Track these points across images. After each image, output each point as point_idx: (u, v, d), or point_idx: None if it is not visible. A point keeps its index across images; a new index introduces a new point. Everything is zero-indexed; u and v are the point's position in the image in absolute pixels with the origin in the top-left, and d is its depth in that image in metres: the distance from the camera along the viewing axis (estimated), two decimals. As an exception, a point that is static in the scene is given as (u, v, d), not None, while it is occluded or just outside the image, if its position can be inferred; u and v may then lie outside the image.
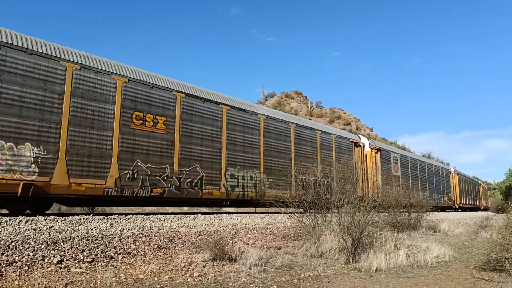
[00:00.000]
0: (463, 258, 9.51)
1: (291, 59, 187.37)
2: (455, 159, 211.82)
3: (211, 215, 12.09)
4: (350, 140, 21.73)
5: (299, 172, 14.80)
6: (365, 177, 22.06)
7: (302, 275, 6.71)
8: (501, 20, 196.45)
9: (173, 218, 10.42)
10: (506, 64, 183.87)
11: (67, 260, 6.32)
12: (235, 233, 10.11)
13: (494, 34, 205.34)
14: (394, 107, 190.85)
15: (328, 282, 6.38)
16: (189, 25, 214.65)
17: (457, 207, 38.78)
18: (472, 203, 44.90)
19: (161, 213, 12.09)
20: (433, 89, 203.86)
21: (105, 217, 9.24)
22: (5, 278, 5.37)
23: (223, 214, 13.03)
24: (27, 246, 6.44)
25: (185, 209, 19.34)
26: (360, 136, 23.99)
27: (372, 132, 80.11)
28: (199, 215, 11.77)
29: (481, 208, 50.42)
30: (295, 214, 10.82)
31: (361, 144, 22.65)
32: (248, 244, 9.31)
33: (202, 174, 13.07)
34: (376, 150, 23.65)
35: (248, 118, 15.23)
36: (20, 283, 5.27)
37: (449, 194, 36.40)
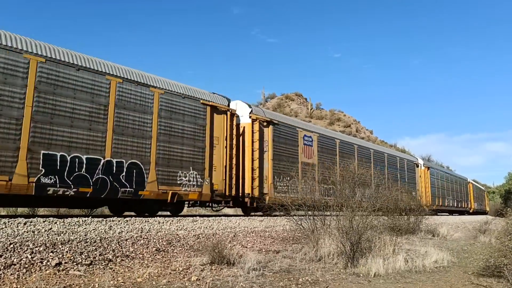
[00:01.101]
0: (462, 263, 9.50)
1: (292, 60, 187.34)
2: (455, 161, 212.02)
3: (210, 218, 12.10)
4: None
5: None
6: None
7: (300, 279, 6.71)
8: (502, 23, 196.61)
9: (172, 221, 10.42)
10: (507, 67, 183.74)
11: (65, 262, 6.32)
12: (234, 236, 10.11)
13: (495, 36, 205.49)
14: (394, 109, 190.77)
15: (326, 287, 6.38)
16: (190, 25, 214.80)
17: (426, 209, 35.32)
18: (455, 204, 39.01)
19: (160, 216, 12.08)
20: (434, 91, 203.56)
21: (104, 219, 9.23)
22: (3, 281, 5.36)
23: (222, 217, 13.03)
24: (25, 249, 6.43)
25: (184, 210, 19.26)
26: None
27: (372, 135, 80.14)
28: (198, 217, 11.77)
29: (470, 211, 45.13)
30: (294, 217, 10.82)
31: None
32: (246, 247, 9.32)
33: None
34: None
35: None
36: (18, 286, 5.27)
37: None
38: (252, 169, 15.27)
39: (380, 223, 11.56)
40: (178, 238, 8.87)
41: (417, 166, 30.16)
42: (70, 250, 6.78)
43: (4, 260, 5.92)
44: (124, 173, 11.09)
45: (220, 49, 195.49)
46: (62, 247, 6.84)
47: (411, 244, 11.60)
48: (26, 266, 5.91)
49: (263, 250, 9.33)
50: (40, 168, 9.60)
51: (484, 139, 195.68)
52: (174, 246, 8.30)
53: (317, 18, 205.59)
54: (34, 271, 5.83)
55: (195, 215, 13.64)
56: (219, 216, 14.53)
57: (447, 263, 9.08)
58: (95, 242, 7.42)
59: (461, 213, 41.85)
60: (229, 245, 8.94)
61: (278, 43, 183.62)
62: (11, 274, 5.60)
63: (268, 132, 16.29)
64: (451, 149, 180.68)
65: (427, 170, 31.31)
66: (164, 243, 8.30)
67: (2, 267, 5.70)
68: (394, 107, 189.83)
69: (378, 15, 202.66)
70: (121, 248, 7.45)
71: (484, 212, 51.69)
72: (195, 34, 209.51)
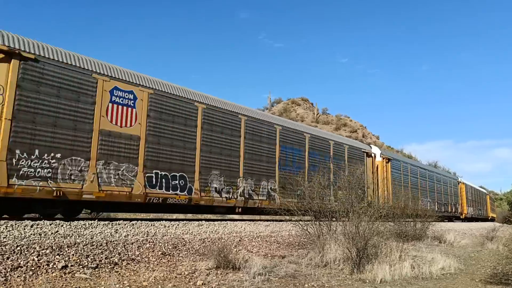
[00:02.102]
0: (469, 270, 9.42)
1: (298, 65, 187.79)
2: (462, 168, 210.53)
3: (216, 222, 12.09)
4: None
5: None
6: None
7: (306, 285, 6.68)
8: (510, 28, 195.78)
9: (178, 225, 10.43)
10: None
11: (71, 265, 6.33)
12: (239, 240, 10.09)
13: (503, 43, 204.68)
14: (401, 114, 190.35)
15: (332, 293, 6.35)
16: (197, 29, 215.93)
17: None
18: (435, 208, 29.75)
19: (165, 219, 12.09)
20: (441, 97, 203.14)
21: (110, 223, 9.26)
22: (10, 283, 5.38)
23: (228, 221, 13.02)
24: (32, 251, 6.46)
25: (189, 215, 19.34)
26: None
27: (378, 140, 79.87)
28: (203, 221, 11.77)
29: (462, 217, 37.57)
30: (300, 222, 10.78)
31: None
32: (252, 252, 9.29)
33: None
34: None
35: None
36: (25, 288, 5.28)
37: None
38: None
39: (387, 229, 11.48)
40: (184, 242, 8.87)
41: (369, 156, 22.43)
42: (76, 253, 6.80)
43: (11, 262, 5.94)
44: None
45: (226, 54, 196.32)
46: (68, 250, 6.86)
47: (417, 250, 11.53)
48: (33, 268, 5.93)
49: (269, 255, 9.31)
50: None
51: (491, 145, 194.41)
52: (179, 250, 8.30)
53: (324, 23, 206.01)
54: (41, 274, 5.84)
55: (201, 220, 13.63)
56: (225, 220, 14.53)
57: (454, 270, 9.00)
58: (101, 245, 7.43)
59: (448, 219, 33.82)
60: (235, 249, 8.92)
61: (285, 47, 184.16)
62: (18, 276, 5.62)
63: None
64: (458, 155, 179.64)
65: (387, 162, 24.41)
66: (170, 247, 8.30)
67: (9, 269, 5.73)
68: (401, 112, 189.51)
69: (386, 20, 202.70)
70: (127, 252, 7.46)
71: (485, 219, 46.12)
72: (202, 39, 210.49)
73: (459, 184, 37.88)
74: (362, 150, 22.32)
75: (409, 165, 27.95)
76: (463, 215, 37.62)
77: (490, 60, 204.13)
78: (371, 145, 24.68)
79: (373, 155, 23.03)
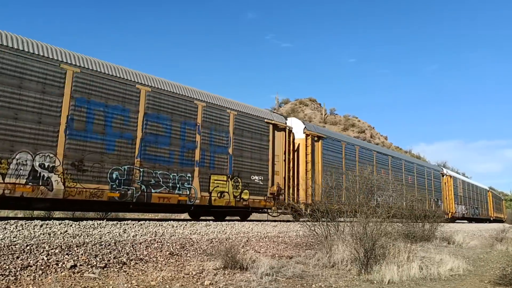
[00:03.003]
0: (478, 271, 9.35)
1: (306, 65, 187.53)
2: (472, 168, 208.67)
3: (223, 222, 12.11)
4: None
5: None
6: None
7: (314, 285, 6.68)
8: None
9: (185, 225, 10.47)
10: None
11: (80, 265, 6.39)
12: (247, 241, 10.11)
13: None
14: (409, 114, 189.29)
15: (340, 293, 6.34)
16: (205, 30, 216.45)
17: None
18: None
19: (173, 219, 12.14)
20: (450, 96, 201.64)
21: (119, 223, 9.32)
22: (20, 282, 5.45)
23: (235, 222, 13.04)
24: (41, 251, 6.53)
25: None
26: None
27: (386, 141, 79.54)
28: (211, 222, 11.80)
29: (448, 216, 29.80)
30: (307, 223, 10.78)
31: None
32: (259, 252, 9.31)
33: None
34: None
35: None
36: (34, 287, 5.34)
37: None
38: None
39: (395, 229, 11.44)
40: (192, 242, 8.90)
41: (279, 130, 17.05)
42: (85, 253, 6.86)
43: (21, 261, 6.01)
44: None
45: (234, 54, 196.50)
46: (77, 249, 6.92)
47: (426, 251, 11.47)
48: (42, 268, 6.00)
49: (276, 255, 9.31)
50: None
51: (501, 146, 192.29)
52: (187, 250, 8.33)
53: (332, 23, 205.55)
54: (50, 273, 5.90)
55: (208, 220, 13.67)
56: (232, 221, 14.55)
57: (462, 271, 8.94)
58: (109, 245, 7.49)
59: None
60: (242, 250, 8.94)
61: (292, 48, 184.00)
62: (28, 275, 5.69)
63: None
64: (467, 155, 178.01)
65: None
66: (178, 247, 8.34)
67: (19, 269, 5.79)
68: (410, 112, 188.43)
69: (395, 20, 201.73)
70: (135, 251, 7.51)
71: (485, 219, 42.93)
72: (210, 39, 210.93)
73: (443, 176, 32.20)
74: (266, 120, 15.82)
75: (358, 147, 21.60)
76: (450, 214, 31.24)
77: (500, 60, 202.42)
78: (288, 118, 18.14)
79: (287, 129, 16.66)
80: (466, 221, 36.46)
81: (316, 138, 18.27)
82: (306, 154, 17.56)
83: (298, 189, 16.72)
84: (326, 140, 18.88)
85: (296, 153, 17.32)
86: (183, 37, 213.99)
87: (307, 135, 17.74)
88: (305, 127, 17.91)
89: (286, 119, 17.29)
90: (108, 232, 8.34)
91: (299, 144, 17.60)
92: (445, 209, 30.61)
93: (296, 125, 17.71)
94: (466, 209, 35.74)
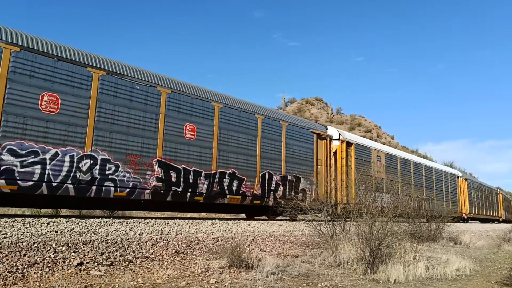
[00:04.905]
0: (485, 272, 9.30)
1: (313, 64, 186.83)
2: (480, 168, 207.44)
3: (229, 221, 12.13)
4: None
5: None
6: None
7: (319, 285, 6.67)
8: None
9: (191, 223, 10.49)
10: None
11: (86, 262, 6.42)
12: (253, 240, 10.12)
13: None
14: (416, 114, 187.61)
15: (345, 293, 6.33)
16: (212, 28, 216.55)
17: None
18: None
19: (179, 218, 12.18)
20: (458, 96, 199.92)
21: (125, 221, 9.36)
22: (27, 279, 5.49)
23: (241, 220, 13.06)
24: (48, 248, 6.57)
25: (203, 214, 19.46)
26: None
27: (393, 140, 79.24)
28: (217, 220, 11.82)
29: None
30: (313, 222, 10.77)
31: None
32: (265, 251, 9.31)
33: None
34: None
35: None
36: (41, 284, 5.38)
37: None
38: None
39: (401, 229, 11.39)
40: (197, 241, 8.93)
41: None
42: (91, 251, 6.90)
43: (28, 259, 6.06)
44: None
45: (241, 53, 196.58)
46: (83, 247, 6.96)
47: (432, 251, 11.42)
48: (49, 265, 6.04)
49: (282, 254, 9.31)
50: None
51: (510, 145, 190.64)
52: (193, 249, 8.36)
53: (339, 22, 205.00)
54: (57, 270, 5.94)
55: (214, 218, 13.69)
56: (238, 219, 14.56)
57: (469, 271, 8.89)
58: (115, 243, 7.52)
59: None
60: (248, 248, 8.95)
61: (299, 46, 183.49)
62: (35, 272, 5.73)
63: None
64: (475, 155, 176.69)
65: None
66: (184, 245, 8.36)
67: (26, 266, 5.84)
68: (417, 112, 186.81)
69: (402, 19, 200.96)
70: (141, 250, 7.54)
71: (494, 220, 43.49)
72: (217, 38, 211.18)
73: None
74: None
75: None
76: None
77: (509, 58, 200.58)
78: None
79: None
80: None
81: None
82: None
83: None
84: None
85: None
86: (190, 36, 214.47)
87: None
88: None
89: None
90: (114, 230, 8.38)
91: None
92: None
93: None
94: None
